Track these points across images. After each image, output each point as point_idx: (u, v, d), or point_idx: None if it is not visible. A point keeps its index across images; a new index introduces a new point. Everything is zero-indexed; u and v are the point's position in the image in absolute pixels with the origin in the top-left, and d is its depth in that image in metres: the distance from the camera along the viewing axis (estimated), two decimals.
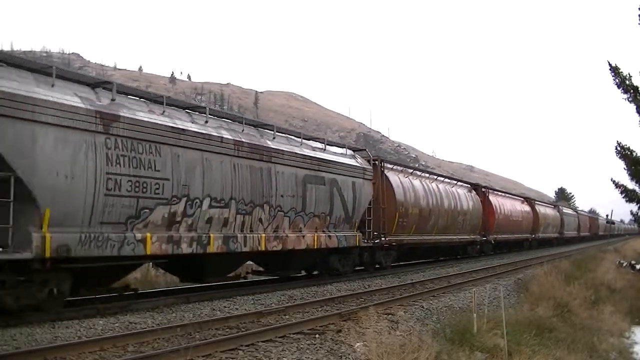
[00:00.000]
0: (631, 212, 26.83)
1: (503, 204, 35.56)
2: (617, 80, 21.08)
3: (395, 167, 23.72)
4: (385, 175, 21.48)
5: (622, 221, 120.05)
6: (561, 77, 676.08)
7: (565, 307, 13.23)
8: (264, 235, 14.73)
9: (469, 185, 32.50)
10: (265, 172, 14.78)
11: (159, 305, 12.06)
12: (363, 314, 9.53)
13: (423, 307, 12.90)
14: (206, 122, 13.43)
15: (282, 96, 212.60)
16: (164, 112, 12.33)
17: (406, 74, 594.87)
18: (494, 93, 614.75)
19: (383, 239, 20.59)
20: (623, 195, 23.43)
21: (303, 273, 19.11)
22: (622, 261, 28.48)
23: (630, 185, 23.30)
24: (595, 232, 67.69)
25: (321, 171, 17.02)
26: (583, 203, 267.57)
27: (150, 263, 14.74)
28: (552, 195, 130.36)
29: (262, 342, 8.78)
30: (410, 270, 22.83)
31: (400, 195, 22.00)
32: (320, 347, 8.48)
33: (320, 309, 12.29)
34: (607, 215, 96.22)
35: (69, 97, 10.36)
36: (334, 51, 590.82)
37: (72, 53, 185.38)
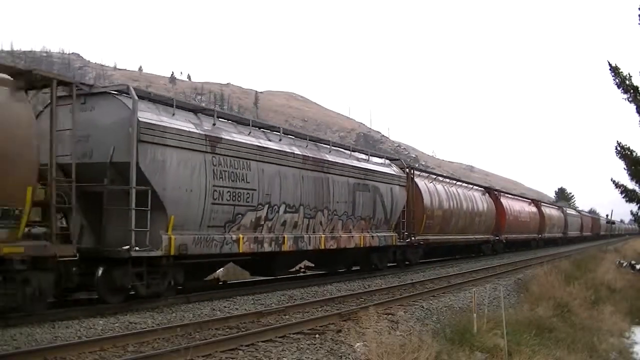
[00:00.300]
0: (631, 212, 26.85)
1: (513, 206, 37.99)
2: (617, 80, 21.07)
3: (422, 173, 26.60)
4: (415, 181, 23.90)
5: (622, 221, 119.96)
6: (561, 77, 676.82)
7: (565, 307, 13.23)
8: (323, 235, 17.32)
9: (483, 189, 35.25)
10: (324, 182, 17.33)
11: (159, 305, 12.06)
12: (363, 314, 9.53)
13: (423, 307, 12.90)
14: (280, 140, 15.99)
15: (282, 96, 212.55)
16: (250, 132, 14.87)
17: (406, 74, 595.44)
18: (494, 93, 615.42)
19: (413, 238, 23.06)
20: (623, 195, 23.43)
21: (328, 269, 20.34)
22: (622, 261, 28.46)
23: (630, 185, 23.31)
24: (597, 232, 70.34)
25: (367, 180, 19.60)
26: (583, 203, 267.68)
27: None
28: (552, 195, 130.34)
29: (262, 342, 8.78)
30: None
31: (427, 199, 24.55)
32: (320, 347, 8.48)
33: (320, 309, 12.29)
34: (607, 215, 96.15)
35: (186, 123, 12.79)
36: (334, 51, 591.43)
37: (72, 53, 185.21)
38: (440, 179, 29.21)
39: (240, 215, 13.94)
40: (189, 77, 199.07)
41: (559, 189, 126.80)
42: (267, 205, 14.78)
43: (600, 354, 11.02)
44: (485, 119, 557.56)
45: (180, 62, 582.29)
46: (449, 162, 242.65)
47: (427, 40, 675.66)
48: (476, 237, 31.10)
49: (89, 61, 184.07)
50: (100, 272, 11.19)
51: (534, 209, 43.86)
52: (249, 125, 15.17)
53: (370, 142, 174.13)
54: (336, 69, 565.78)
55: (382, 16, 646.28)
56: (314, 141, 18.13)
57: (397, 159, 24.81)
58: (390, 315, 11.40)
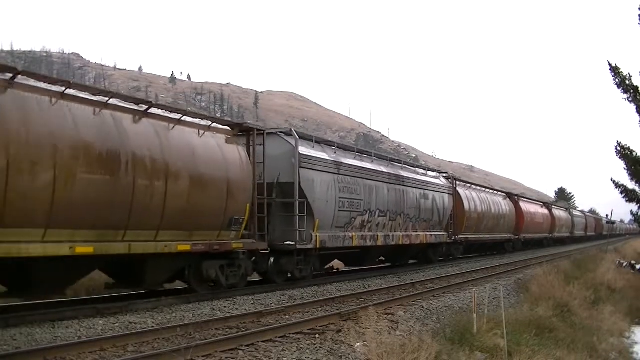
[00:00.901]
0: (631, 212, 26.86)
1: (529, 209, 42.78)
2: (617, 80, 21.07)
3: (461, 183, 31.89)
4: (457, 190, 29.06)
5: (622, 221, 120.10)
6: (561, 77, 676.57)
7: (565, 307, 13.22)
8: (401, 234, 22.21)
9: (505, 194, 40.34)
10: (401, 192, 22.47)
11: (159, 305, 12.06)
12: (363, 314, 9.52)
13: (423, 307, 12.90)
14: (372, 161, 21.29)
15: (282, 96, 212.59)
16: (355, 157, 20.14)
17: (406, 74, 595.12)
18: (493, 93, 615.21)
19: (456, 237, 28.14)
20: (623, 195, 23.44)
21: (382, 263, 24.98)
22: (622, 261, 28.48)
23: (630, 185, 23.32)
24: (600, 232, 75.20)
25: (427, 190, 24.89)
26: (583, 203, 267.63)
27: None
28: (552, 195, 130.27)
29: (262, 342, 8.78)
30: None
31: (466, 205, 29.94)
32: (320, 347, 8.48)
33: (320, 309, 12.29)
34: (607, 215, 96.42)
35: (322, 153, 17.91)
36: (334, 51, 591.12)
37: (72, 53, 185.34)
38: (474, 187, 34.84)
39: (353, 219, 18.98)
40: (189, 77, 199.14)
41: (558, 189, 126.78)
42: (368, 211, 19.82)
43: (600, 354, 11.02)
44: (485, 119, 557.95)
45: (180, 62, 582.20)
46: (449, 162, 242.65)
47: (427, 40, 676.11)
48: (501, 236, 36.09)
49: (89, 61, 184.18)
50: (272, 260, 16.12)
51: (546, 211, 48.40)
52: (354, 151, 20.69)
53: (370, 142, 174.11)
54: (336, 69, 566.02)
55: (382, 16, 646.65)
56: (392, 161, 23.48)
57: (445, 172, 31.05)
58: (390, 315, 11.39)
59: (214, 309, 11.94)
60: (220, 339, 8.65)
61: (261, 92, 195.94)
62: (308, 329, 9.86)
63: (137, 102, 12.60)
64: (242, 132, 15.22)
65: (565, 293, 14.24)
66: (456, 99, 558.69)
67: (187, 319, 10.54)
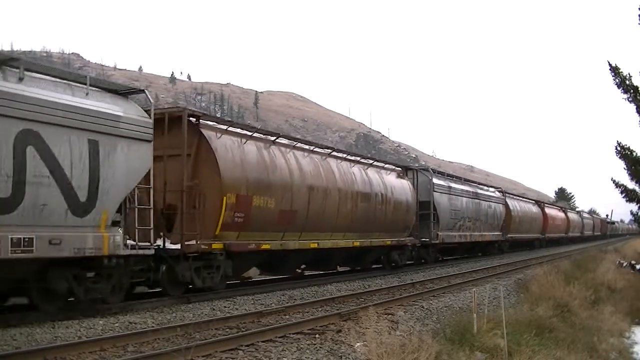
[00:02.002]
0: (631, 212, 26.87)
1: (551, 213, 52.36)
2: (617, 80, 21.06)
3: (508, 194, 40.80)
4: (506, 200, 38.27)
5: (622, 221, 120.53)
6: (561, 77, 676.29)
7: (565, 307, 13.22)
8: (477, 233, 31.24)
9: (534, 201, 50.46)
10: (477, 205, 31.46)
11: (159, 305, 12.07)
12: (363, 314, 9.52)
13: (423, 307, 12.90)
14: (462, 182, 31.37)
15: (282, 96, 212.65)
16: (454, 181, 30.16)
17: (406, 74, 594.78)
18: (493, 93, 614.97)
19: (507, 236, 37.14)
20: (623, 195, 23.43)
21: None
22: (622, 261, 28.48)
23: (630, 185, 23.31)
24: (605, 231, 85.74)
25: (490, 202, 34.46)
26: (583, 203, 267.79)
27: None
28: (552, 195, 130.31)
29: (262, 342, 8.77)
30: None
31: (514, 211, 39.07)
32: (320, 347, 8.47)
33: (320, 309, 12.29)
34: (607, 215, 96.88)
35: (443, 181, 27.99)
36: (334, 51, 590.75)
37: (72, 53, 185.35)
38: (515, 197, 44.90)
39: (456, 224, 28.02)
40: (189, 77, 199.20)
41: (558, 189, 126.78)
42: (462, 219, 29.01)
43: (600, 354, 11.01)
44: (485, 119, 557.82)
45: (180, 62, 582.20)
46: (449, 162, 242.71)
47: (427, 40, 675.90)
48: (533, 235, 45.88)
49: (89, 61, 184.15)
50: (415, 250, 24.37)
51: (562, 215, 57.52)
52: (453, 177, 31.55)
53: (370, 142, 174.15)
54: (336, 69, 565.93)
55: (382, 16, 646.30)
56: (471, 182, 34.12)
57: (499, 187, 40.58)
58: (390, 315, 11.39)
59: (214, 309, 11.94)
60: (220, 339, 8.65)
61: (261, 92, 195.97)
62: (308, 329, 9.86)
63: (349, 154, 21.37)
64: (400, 167, 24.90)
65: (565, 293, 14.24)
66: (456, 99, 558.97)
67: (187, 319, 10.54)
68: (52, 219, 9.88)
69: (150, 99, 12.33)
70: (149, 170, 11.75)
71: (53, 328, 9.49)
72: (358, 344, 8.25)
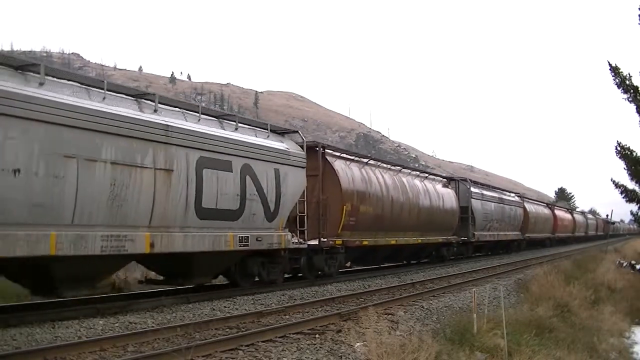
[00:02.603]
0: (631, 212, 26.87)
1: (560, 215, 56.96)
2: (617, 80, 21.08)
3: (526, 198, 46.05)
4: (524, 204, 42.90)
5: (622, 221, 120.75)
6: (561, 77, 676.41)
7: (565, 307, 13.22)
8: (502, 233, 36.11)
9: (545, 204, 56.73)
10: (501, 208, 35.92)
11: (159, 305, 12.07)
12: (363, 314, 9.52)
13: (423, 307, 12.89)
14: (489, 189, 36.43)
15: (282, 96, 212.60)
16: (484, 188, 35.57)
17: (406, 74, 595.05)
18: (493, 93, 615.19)
19: (525, 235, 41.37)
20: (623, 196, 23.45)
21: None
22: (622, 261, 28.48)
23: (630, 185, 23.33)
24: (607, 231, 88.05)
25: (512, 205, 38.98)
26: (583, 203, 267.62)
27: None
28: (552, 195, 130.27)
29: (262, 342, 8.77)
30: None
31: (530, 214, 43.23)
32: (320, 347, 8.47)
33: (320, 309, 12.29)
34: (607, 215, 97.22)
35: (478, 190, 33.27)
36: (334, 51, 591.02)
37: (72, 53, 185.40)
38: (532, 200, 51.23)
39: (487, 225, 32.63)
40: (189, 77, 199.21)
41: (558, 189, 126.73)
42: (492, 220, 33.49)
43: (600, 354, 11.02)
44: (485, 119, 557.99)
45: (180, 62, 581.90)
46: (449, 162, 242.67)
47: (427, 40, 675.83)
48: (545, 235, 50.58)
49: (89, 61, 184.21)
50: (455, 247, 29.19)
51: (569, 216, 63.24)
52: (483, 184, 36.77)
53: (370, 142, 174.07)
54: (336, 69, 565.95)
55: (382, 16, 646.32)
56: (496, 188, 38.83)
57: (518, 193, 46.03)
58: (390, 315, 11.39)
59: (213, 309, 11.94)
60: (220, 339, 8.65)
61: (261, 92, 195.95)
62: (308, 329, 9.86)
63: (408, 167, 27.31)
64: (446, 179, 30.51)
65: (565, 293, 14.24)
66: (456, 99, 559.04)
67: (187, 319, 10.54)
68: (257, 223, 14.46)
69: (303, 137, 16.84)
70: (305, 188, 16.45)
71: (53, 328, 9.49)
72: (358, 344, 8.25)
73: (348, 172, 19.23)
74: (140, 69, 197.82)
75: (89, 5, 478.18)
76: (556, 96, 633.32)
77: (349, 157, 20.55)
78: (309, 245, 16.61)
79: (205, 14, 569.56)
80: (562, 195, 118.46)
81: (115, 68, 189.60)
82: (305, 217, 16.56)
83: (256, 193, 14.18)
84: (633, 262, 27.74)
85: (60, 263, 10.09)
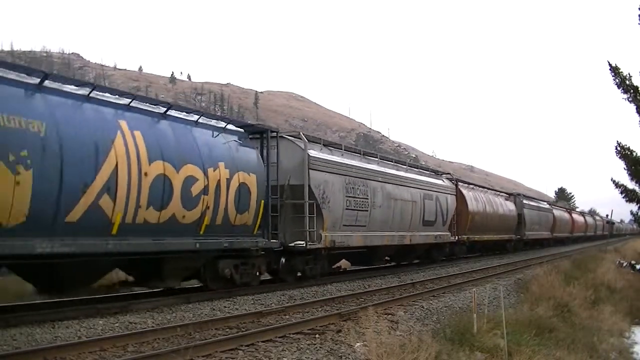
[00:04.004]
0: (631, 212, 26.89)
1: (576, 217, 67.28)
2: (617, 80, 21.10)
3: (526, 202, 44.54)
4: (553, 210, 51.86)
5: (622, 221, 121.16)
6: (561, 77, 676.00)
7: (565, 307, 13.23)
8: (539, 233, 45.78)
9: (564, 209, 65.79)
10: (539, 214, 46.54)
11: (159, 305, 12.07)
12: (363, 314, 9.52)
13: (423, 307, 12.89)
14: (533, 201, 49.15)
15: (282, 96, 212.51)
16: (534, 199, 51.37)
17: (406, 74, 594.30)
18: (493, 93, 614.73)
19: (521, 236, 41.87)
20: (623, 195, 23.47)
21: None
22: (622, 261, 28.51)
23: (630, 185, 23.35)
24: (610, 231, 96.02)
25: (545, 212, 49.19)
26: (583, 203, 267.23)
27: None
28: (552, 195, 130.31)
29: (262, 342, 8.77)
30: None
31: (557, 217, 52.26)
32: (320, 347, 8.47)
33: (320, 309, 12.29)
34: (607, 215, 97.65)
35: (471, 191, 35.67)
36: (334, 51, 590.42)
37: (72, 53, 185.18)
38: (557, 207, 60.53)
39: (533, 226, 43.38)
40: (189, 77, 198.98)
41: (559, 188, 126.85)
42: (534, 223, 44.60)
43: (600, 354, 11.03)
44: (485, 119, 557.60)
45: (180, 62, 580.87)
46: (449, 162, 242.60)
47: (427, 40, 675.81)
48: (564, 234, 58.08)
49: (89, 61, 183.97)
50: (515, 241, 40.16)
51: (582, 218, 72.69)
52: (530, 197, 48.84)
53: (370, 142, 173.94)
54: (336, 69, 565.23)
55: (382, 16, 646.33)
56: (536, 198, 48.64)
57: (548, 200, 53.19)
58: (390, 315, 11.39)
59: (213, 309, 11.94)
60: (220, 339, 8.65)
61: (261, 92, 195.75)
62: (308, 329, 9.86)
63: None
64: (508, 194, 41.38)
65: (565, 293, 14.25)
66: (456, 99, 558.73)
67: (187, 319, 10.54)
68: (440, 228, 26.52)
69: (452, 176, 29.65)
70: (455, 207, 27.93)
71: (53, 328, 9.49)
72: (358, 344, 8.25)
73: (471, 195, 31.43)
74: (140, 69, 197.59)
75: (89, 5, 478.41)
76: (556, 96, 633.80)
77: (470, 184, 35.20)
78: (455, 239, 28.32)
79: (205, 14, 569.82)
80: (562, 195, 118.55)
81: (115, 68, 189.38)
82: (455, 222, 28.15)
83: (440, 210, 26.02)
84: (633, 262, 27.78)
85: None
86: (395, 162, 24.13)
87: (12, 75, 9.91)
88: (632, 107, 21.48)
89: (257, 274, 15.35)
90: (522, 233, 40.03)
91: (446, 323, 9.86)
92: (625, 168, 22.59)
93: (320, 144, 18.60)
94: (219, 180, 13.45)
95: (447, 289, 16.54)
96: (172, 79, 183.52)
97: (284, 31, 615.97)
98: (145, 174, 11.56)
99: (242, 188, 14.14)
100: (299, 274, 17.13)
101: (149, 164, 11.68)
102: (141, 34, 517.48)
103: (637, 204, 23.71)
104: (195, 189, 12.81)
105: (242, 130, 15.19)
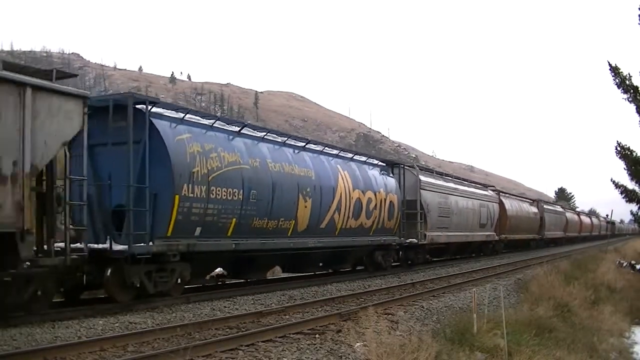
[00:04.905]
0: (631, 212, 26.87)
1: (583, 218, 73.89)
2: (617, 80, 21.08)
3: (546, 207, 50.99)
4: (566, 214, 57.83)
5: (622, 221, 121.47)
6: (561, 77, 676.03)
7: (565, 307, 13.22)
8: (554, 232, 52.60)
9: (573, 211, 74.00)
10: (555, 216, 53.33)
11: (159, 305, 12.06)
12: (363, 314, 9.53)
13: (423, 307, 12.90)
14: (551, 205, 58.60)
15: (282, 96, 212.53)
16: (553, 205, 61.72)
17: (406, 74, 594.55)
18: (493, 93, 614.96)
19: (565, 234, 55.86)
20: (623, 196, 23.45)
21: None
22: (622, 261, 28.48)
23: (630, 185, 23.32)
24: (613, 231, 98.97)
25: (559, 215, 55.84)
26: (583, 203, 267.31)
27: None
28: (551, 195, 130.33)
29: (262, 342, 8.77)
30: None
31: (568, 219, 58.96)
32: (320, 347, 8.47)
33: (320, 309, 12.29)
34: (606, 215, 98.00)
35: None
36: (334, 51, 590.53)
37: (72, 53, 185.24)
38: (567, 210, 65.38)
39: (550, 228, 50.35)
40: (189, 77, 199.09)
41: (558, 188, 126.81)
42: (551, 224, 50.77)
43: (600, 354, 11.02)
44: (485, 119, 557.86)
45: (180, 62, 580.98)
46: (449, 162, 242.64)
47: (427, 40, 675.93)
48: (574, 234, 63.86)
49: (89, 61, 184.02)
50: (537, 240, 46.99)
51: (589, 220, 79.63)
52: (551, 202, 62.81)
53: (370, 142, 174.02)
54: (336, 69, 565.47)
55: (382, 16, 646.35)
56: (555, 204, 62.48)
57: (561, 204, 59.44)
58: (390, 315, 11.39)
59: (213, 309, 11.94)
60: (220, 339, 8.65)
61: (261, 92, 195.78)
62: (308, 329, 9.86)
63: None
64: (533, 200, 49.26)
65: (565, 293, 14.24)
66: (456, 99, 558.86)
67: (187, 319, 10.54)
68: (488, 229, 33.58)
69: (497, 188, 39.23)
70: (498, 211, 35.02)
71: (53, 328, 9.49)
72: (358, 344, 8.25)
73: (508, 202, 38.05)
74: (140, 69, 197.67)
75: (89, 5, 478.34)
76: (556, 96, 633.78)
77: (506, 193, 42.32)
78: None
79: (204, 14, 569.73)
80: (562, 195, 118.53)
81: (115, 68, 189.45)
82: (497, 225, 34.52)
83: (489, 215, 32.80)
84: (633, 262, 27.76)
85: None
86: (462, 180, 33.00)
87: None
88: (632, 107, 21.46)
89: (392, 260, 22.47)
90: (543, 233, 47.16)
91: (446, 323, 9.86)
92: (625, 168, 22.57)
93: (424, 170, 28.07)
94: (381, 200, 20.50)
95: (447, 289, 16.54)
96: (172, 79, 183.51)
97: (284, 31, 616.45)
98: (351, 198, 18.64)
99: (391, 204, 21.21)
100: (409, 262, 23.90)
101: (352, 192, 18.76)
102: (141, 34, 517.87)
103: (637, 204, 23.70)
104: (371, 206, 19.89)
105: (384, 164, 22.33)
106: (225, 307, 12.31)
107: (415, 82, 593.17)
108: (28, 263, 9.41)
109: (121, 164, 11.88)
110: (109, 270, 11.47)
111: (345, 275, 20.13)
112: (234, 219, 13.78)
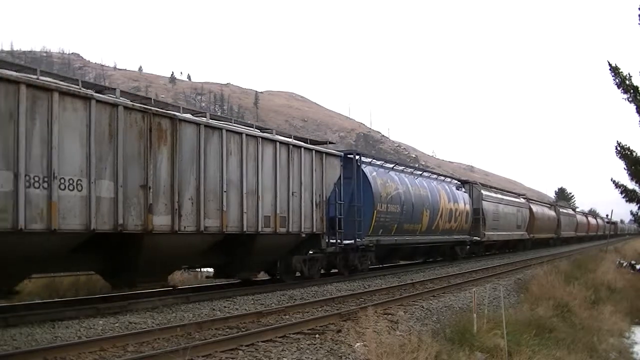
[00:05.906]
0: (631, 212, 26.89)
1: (590, 220, 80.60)
2: (617, 80, 21.10)
3: (561, 209, 57.71)
4: (560, 214, 56.25)
5: (622, 221, 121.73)
6: (561, 77, 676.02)
7: (565, 307, 13.22)
8: (568, 232, 60.79)
9: (582, 213, 79.79)
10: (568, 218, 61.35)
11: (159, 305, 12.07)
12: (363, 314, 9.52)
13: (423, 307, 12.89)
14: (567, 208, 69.55)
15: (282, 96, 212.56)
16: (571, 210, 71.51)
17: (406, 74, 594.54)
18: (493, 93, 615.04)
19: (576, 234, 64.26)
20: (623, 196, 23.47)
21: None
22: (622, 261, 28.49)
23: (630, 185, 23.36)
24: (615, 231, 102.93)
25: (572, 217, 63.99)
26: (583, 203, 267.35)
27: None
28: (552, 195, 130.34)
29: (262, 342, 8.77)
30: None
31: (578, 221, 67.93)
32: (320, 347, 8.47)
33: (320, 309, 12.29)
34: (606, 215, 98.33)
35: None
36: (334, 51, 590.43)
37: (72, 53, 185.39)
38: (580, 213, 75.28)
39: (566, 227, 57.46)
40: (189, 77, 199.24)
41: (559, 189, 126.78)
42: (565, 225, 58.19)
43: (600, 354, 11.02)
44: (485, 119, 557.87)
45: (180, 62, 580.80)
46: (449, 162, 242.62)
47: (426, 40, 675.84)
48: (583, 234, 70.21)
49: (89, 61, 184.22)
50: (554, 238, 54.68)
51: (595, 221, 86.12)
52: (568, 208, 70.20)
53: (370, 142, 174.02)
54: (336, 69, 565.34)
55: (382, 16, 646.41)
56: (573, 209, 73.64)
57: (579, 210, 77.60)
58: (390, 315, 11.38)
59: (213, 309, 11.94)
60: (220, 339, 8.64)
61: (261, 92, 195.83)
62: (308, 329, 9.86)
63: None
64: (521, 196, 46.50)
65: (565, 293, 14.25)
66: (456, 99, 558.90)
67: (187, 319, 10.54)
68: (518, 231, 40.70)
69: (526, 195, 50.63)
70: (529, 215, 43.42)
71: (53, 328, 9.50)
72: (358, 344, 8.25)
73: (534, 208, 45.50)
74: (140, 69, 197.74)
75: (89, 5, 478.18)
76: (556, 96, 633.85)
77: (532, 199, 48.59)
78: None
79: (204, 14, 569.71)
80: (562, 195, 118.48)
81: (115, 68, 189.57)
82: (529, 225, 41.55)
83: (523, 218, 40.18)
84: (633, 262, 27.77)
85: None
86: (504, 191, 41.95)
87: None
88: (632, 107, 21.50)
89: (465, 252, 30.77)
90: (559, 232, 54.43)
91: (446, 323, 9.86)
92: (625, 168, 22.60)
93: (484, 186, 36.55)
94: (460, 209, 28.63)
95: (447, 289, 16.54)
96: (172, 79, 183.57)
97: (284, 31, 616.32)
98: (447, 208, 26.86)
99: (467, 212, 29.72)
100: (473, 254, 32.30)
101: (447, 204, 27.00)
102: (141, 34, 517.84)
103: (637, 204, 23.72)
104: (456, 214, 28.08)
105: (459, 182, 31.46)
106: (225, 307, 12.31)
107: (415, 82, 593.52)
108: (324, 248, 17.83)
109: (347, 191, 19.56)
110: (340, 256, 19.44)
111: (347, 274, 20.16)
112: (395, 225, 22.26)
